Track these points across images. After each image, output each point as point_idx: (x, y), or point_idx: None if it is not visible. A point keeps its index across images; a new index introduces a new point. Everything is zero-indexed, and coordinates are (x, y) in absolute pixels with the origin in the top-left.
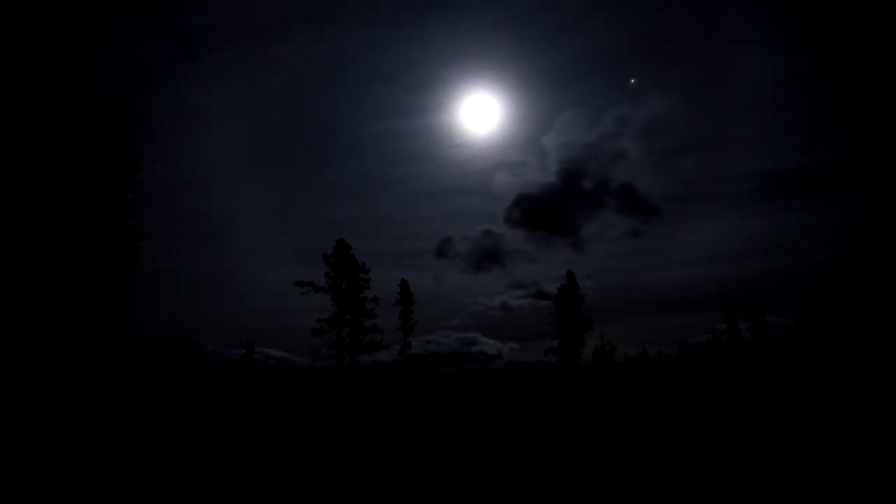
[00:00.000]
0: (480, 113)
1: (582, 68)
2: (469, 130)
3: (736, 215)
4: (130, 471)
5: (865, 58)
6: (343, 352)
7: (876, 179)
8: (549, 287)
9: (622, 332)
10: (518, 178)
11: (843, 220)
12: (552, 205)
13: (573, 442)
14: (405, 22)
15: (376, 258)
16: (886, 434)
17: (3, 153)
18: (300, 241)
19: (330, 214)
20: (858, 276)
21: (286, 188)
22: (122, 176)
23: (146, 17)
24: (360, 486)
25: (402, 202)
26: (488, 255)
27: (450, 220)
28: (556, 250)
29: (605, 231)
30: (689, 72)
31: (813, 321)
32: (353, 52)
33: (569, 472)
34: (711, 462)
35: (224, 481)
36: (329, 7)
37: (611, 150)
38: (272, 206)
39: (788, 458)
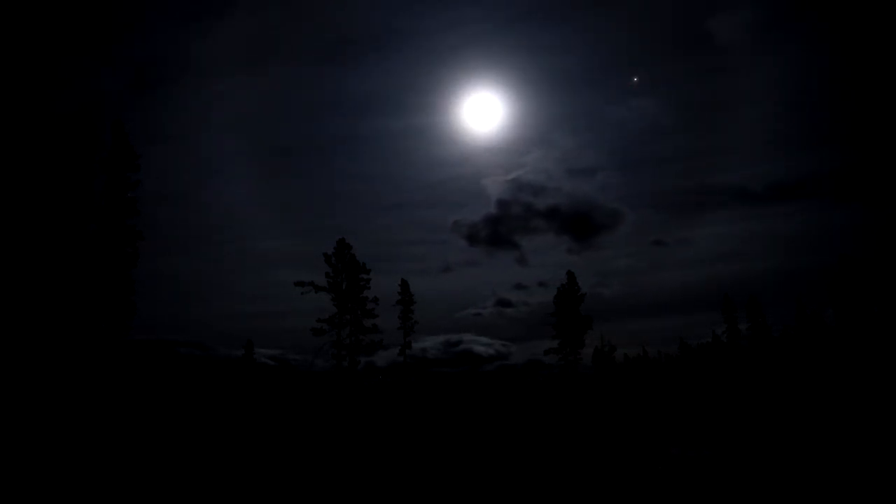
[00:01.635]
0: (478, 114)
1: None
2: (470, 129)
3: (735, 221)
4: (131, 469)
5: (864, 68)
6: (343, 352)
7: (873, 186)
8: (510, 296)
9: (622, 333)
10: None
11: (840, 226)
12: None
13: (574, 441)
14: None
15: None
16: (886, 434)
17: (3, 154)
18: (304, 244)
19: (328, 218)
20: (858, 275)
21: (286, 191)
22: (122, 176)
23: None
24: (363, 485)
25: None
26: (446, 268)
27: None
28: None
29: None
30: (691, 79)
31: (812, 321)
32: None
33: (570, 472)
34: (711, 462)
35: (228, 479)
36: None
37: (606, 162)
38: (275, 211)
39: (788, 458)
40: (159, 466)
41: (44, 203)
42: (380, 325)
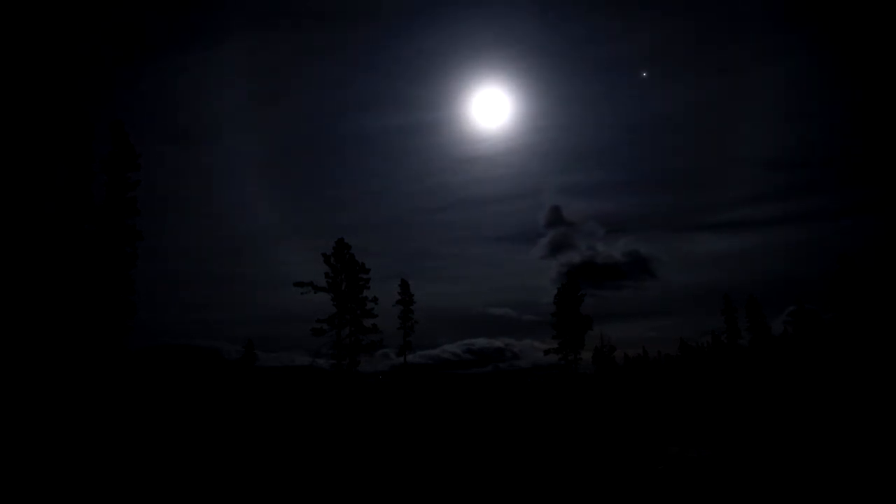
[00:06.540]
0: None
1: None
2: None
3: (735, 230)
4: (132, 468)
5: (866, 83)
6: (343, 352)
7: (872, 192)
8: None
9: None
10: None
11: (838, 238)
12: None
13: (574, 441)
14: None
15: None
16: (886, 433)
17: (3, 154)
18: (312, 245)
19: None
20: (857, 275)
21: (293, 192)
22: (122, 176)
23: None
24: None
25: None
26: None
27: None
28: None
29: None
30: (699, 91)
31: (812, 321)
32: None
33: (569, 471)
34: (711, 462)
35: (228, 478)
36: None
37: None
38: (289, 212)
39: (788, 458)
40: (158, 465)
41: (43, 203)
42: (379, 325)
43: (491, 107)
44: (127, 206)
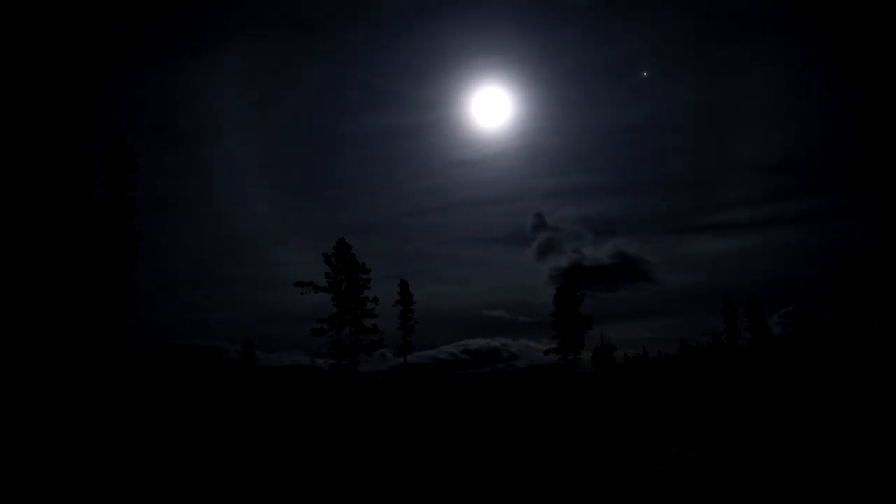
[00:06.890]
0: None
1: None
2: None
3: (735, 231)
4: (131, 467)
5: (866, 83)
6: (343, 352)
7: (873, 197)
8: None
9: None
10: None
11: (837, 238)
12: None
13: (573, 441)
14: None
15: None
16: (886, 433)
17: (3, 154)
18: (313, 245)
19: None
20: (856, 276)
21: (297, 190)
22: (121, 176)
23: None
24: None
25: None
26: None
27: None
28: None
29: None
30: (699, 91)
31: (812, 321)
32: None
33: (569, 471)
34: (711, 462)
35: (228, 477)
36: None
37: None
38: (290, 213)
39: (788, 458)
40: (158, 464)
41: (43, 203)
42: (379, 325)
43: (491, 108)
44: (126, 206)
